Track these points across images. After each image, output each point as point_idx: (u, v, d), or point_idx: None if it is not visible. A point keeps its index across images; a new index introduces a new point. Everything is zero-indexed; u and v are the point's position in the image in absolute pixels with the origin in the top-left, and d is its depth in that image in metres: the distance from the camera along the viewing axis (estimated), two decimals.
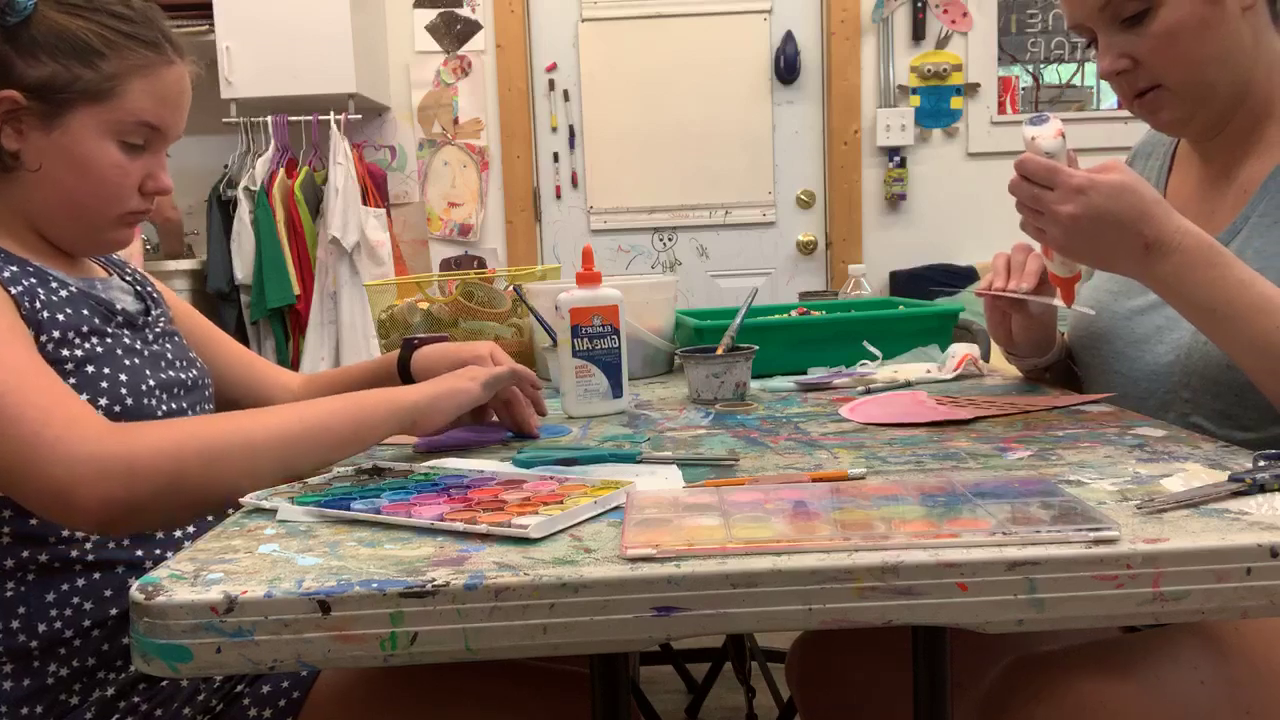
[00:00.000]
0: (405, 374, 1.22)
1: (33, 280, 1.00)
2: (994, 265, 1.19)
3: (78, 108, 1.02)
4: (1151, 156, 1.29)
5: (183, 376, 1.11)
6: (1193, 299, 0.97)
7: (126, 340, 1.06)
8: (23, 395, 0.86)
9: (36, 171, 1.02)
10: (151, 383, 1.04)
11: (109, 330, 1.04)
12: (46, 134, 1.02)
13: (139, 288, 1.17)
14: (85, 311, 1.03)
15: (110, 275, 1.15)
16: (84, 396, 0.96)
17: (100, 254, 1.14)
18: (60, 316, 0.99)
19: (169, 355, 1.11)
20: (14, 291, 0.96)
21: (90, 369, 0.99)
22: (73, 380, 0.97)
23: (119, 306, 1.09)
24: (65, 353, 0.98)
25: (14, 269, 0.99)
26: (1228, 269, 0.95)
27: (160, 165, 1.10)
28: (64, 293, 1.02)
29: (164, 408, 1.05)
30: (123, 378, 1.01)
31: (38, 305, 0.98)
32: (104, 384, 0.99)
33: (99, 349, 1.01)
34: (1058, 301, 1.16)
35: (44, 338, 0.97)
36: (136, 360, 1.05)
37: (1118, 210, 0.95)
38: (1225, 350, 0.99)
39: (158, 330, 1.13)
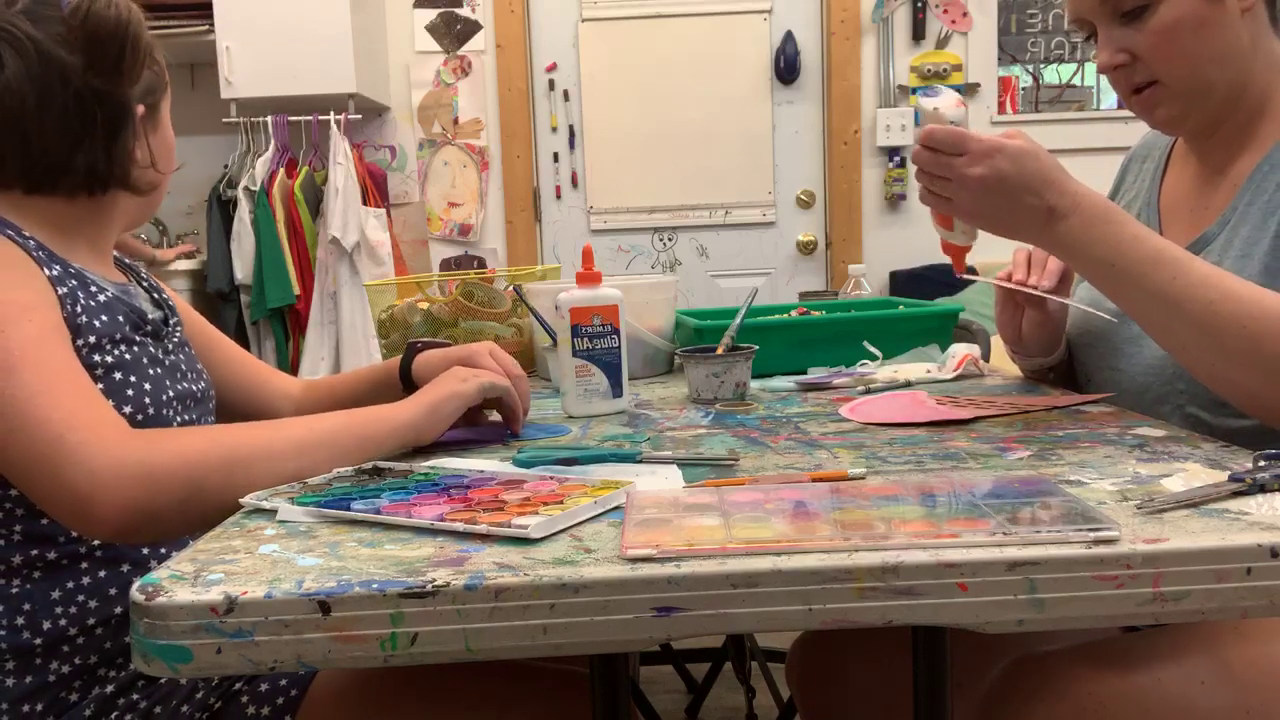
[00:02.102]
0: (407, 378, 1.22)
1: (74, 283, 1.00)
2: (1014, 260, 1.20)
3: (161, 99, 1.13)
4: (1148, 160, 1.30)
5: (194, 388, 1.12)
6: (1089, 256, 0.99)
7: (151, 349, 1.06)
8: (52, 398, 0.86)
9: (148, 169, 1.10)
10: (171, 393, 1.05)
11: (137, 338, 1.05)
12: (155, 133, 1.12)
13: (155, 295, 1.18)
14: (120, 318, 1.03)
15: (129, 281, 1.16)
16: (110, 402, 0.96)
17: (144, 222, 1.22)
18: (97, 322, 1.00)
19: (183, 366, 1.12)
20: (60, 292, 0.97)
21: (118, 376, 0.99)
22: (101, 386, 0.97)
23: (148, 315, 1.09)
24: (97, 358, 0.98)
25: (59, 268, 1.00)
26: (1122, 226, 0.98)
27: None
28: (102, 298, 1.03)
29: (179, 419, 1.06)
30: (147, 387, 1.02)
31: (79, 309, 0.98)
32: (130, 392, 1.00)
33: (127, 357, 1.01)
34: (1075, 303, 1.17)
35: (80, 341, 0.97)
36: (159, 370, 1.05)
37: (1024, 175, 0.98)
38: (1124, 309, 1.01)
39: (175, 340, 1.14)
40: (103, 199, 1.07)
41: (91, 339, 0.98)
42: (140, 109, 1.07)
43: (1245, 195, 1.09)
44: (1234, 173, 1.13)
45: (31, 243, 1.00)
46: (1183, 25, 1.06)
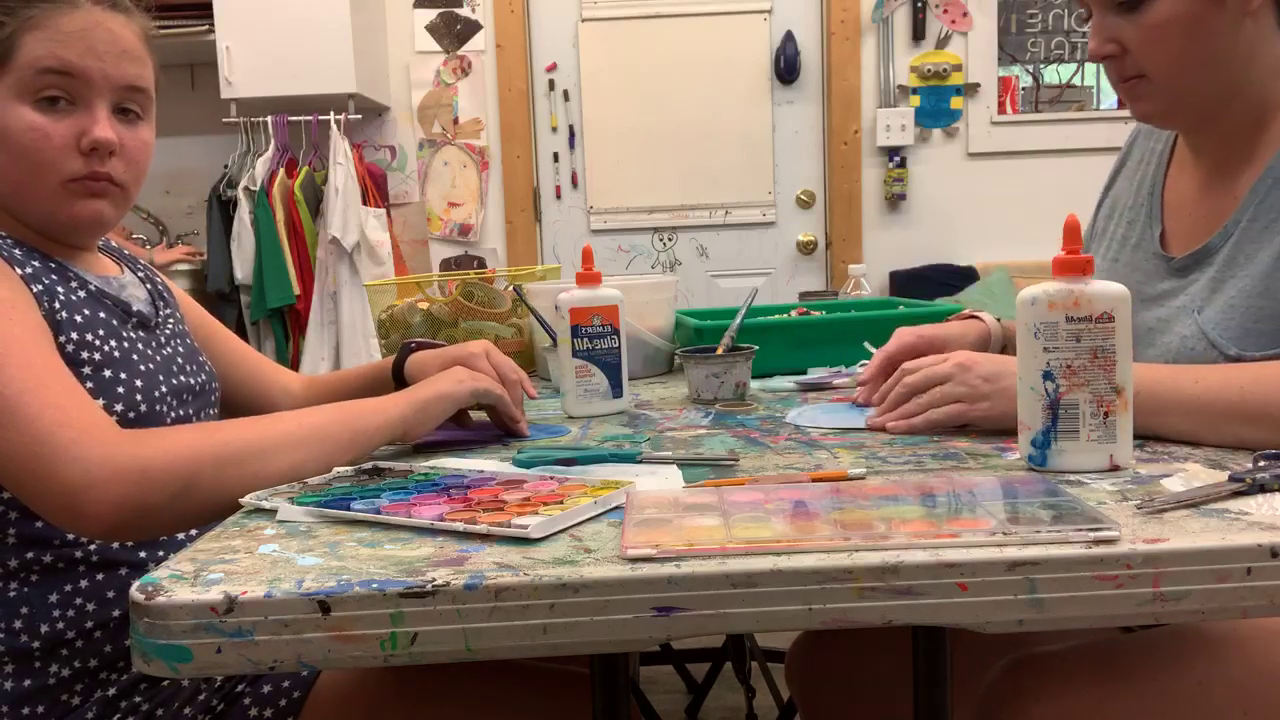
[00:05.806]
0: (400, 378, 1.22)
1: (53, 278, 1.00)
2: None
3: None
4: (1156, 140, 1.27)
5: (191, 382, 1.11)
6: None
7: (141, 344, 1.06)
8: (42, 395, 0.86)
9: None
10: (164, 389, 1.04)
11: (124, 332, 1.04)
12: None
13: (149, 284, 1.17)
14: (103, 313, 1.02)
15: (123, 271, 1.15)
16: (100, 401, 0.96)
17: (77, 238, 1.07)
18: (78, 317, 0.99)
19: (179, 360, 1.11)
20: (35, 290, 0.96)
21: (107, 373, 0.99)
22: (90, 384, 0.96)
23: (134, 307, 1.08)
24: (85, 355, 0.98)
25: (36, 264, 0.99)
26: None
27: (94, 119, 1.01)
28: (82, 292, 1.02)
29: (174, 414, 1.05)
30: (138, 383, 1.01)
31: (57, 305, 0.97)
32: (120, 389, 0.99)
33: (116, 353, 1.01)
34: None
35: (63, 338, 0.96)
36: (150, 365, 1.04)
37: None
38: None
39: (168, 331, 1.13)
40: None
41: (74, 335, 0.97)
42: None
43: (1248, 209, 1.07)
44: (1236, 181, 1.11)
45: (9, 241, 1.00)
46: (1175, 23, 1.04)
